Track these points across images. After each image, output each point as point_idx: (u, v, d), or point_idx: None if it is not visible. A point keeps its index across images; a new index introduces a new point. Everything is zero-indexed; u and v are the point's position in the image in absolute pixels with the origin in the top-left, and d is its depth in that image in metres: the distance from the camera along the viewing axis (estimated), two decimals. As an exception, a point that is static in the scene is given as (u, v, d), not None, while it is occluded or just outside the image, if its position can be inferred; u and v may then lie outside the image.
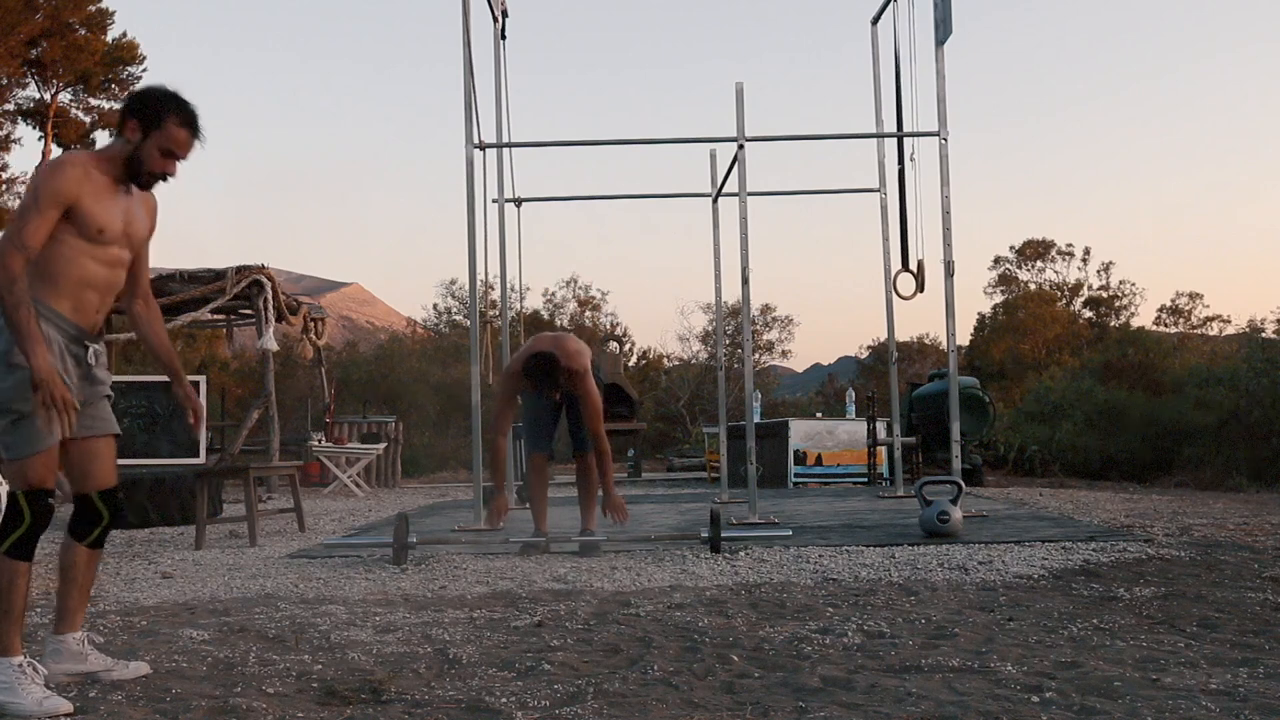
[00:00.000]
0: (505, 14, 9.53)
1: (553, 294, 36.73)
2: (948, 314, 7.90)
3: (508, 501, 5.93)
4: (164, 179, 3.06)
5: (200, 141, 3.06)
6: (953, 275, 7.84)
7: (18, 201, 25.31)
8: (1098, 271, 36.91)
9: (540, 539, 6.11)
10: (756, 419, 11.67)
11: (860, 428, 13.61)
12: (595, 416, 5.98)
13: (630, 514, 6.10)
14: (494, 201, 9.62)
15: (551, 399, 6.04)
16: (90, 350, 3.04)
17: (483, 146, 8.25)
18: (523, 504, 8.31)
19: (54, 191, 2.88)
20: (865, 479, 13.15)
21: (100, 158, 3.02)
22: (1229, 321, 33.99)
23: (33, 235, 2.84)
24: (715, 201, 10.58)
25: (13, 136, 25.08)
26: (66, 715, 2.76)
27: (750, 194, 7.97)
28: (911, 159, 9.19)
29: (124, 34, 25.52)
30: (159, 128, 2.99)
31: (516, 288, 23.33)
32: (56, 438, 2.89)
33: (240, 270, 13.07)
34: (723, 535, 5.89)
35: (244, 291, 13.10)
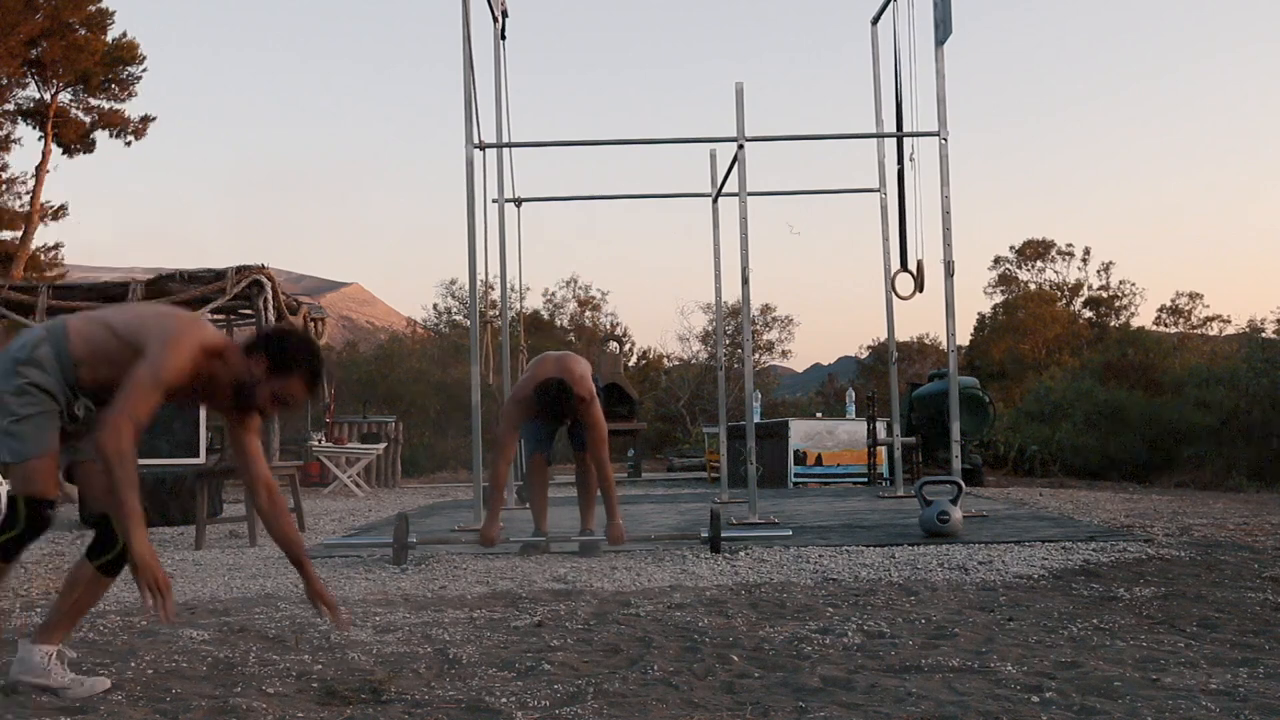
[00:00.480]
0: (505, 14, 9.53)
1: (553, 294, 36.81)
2: (948, 314, 7.90)
3: (498, 535, 5.87)
4: (264, 414, 3.09)
5: (314, 398, 3.03)
6: (952, 275, 7.84)
7: (18, 202, 25.13)
8: (1098, 271, 36.93)
9: (540, 539, 6.11)
10: (756, 419, 11.68)
11: (860, 428, 13.61)
12: (601, 445, 5.92)
13: (627, 533, 6.02)
14: (494, 201, 9.63)
15: (560, 424, 6.02)
16: (80, 402, 2.95)
17: (483, 146, 8.25)
18: (523, 504, 8.31)
19: (177, 373, 2.87)
20: (865, 479, 13.15)
21: (217, 351, 2.98)
22: (1229, 321, 33.97)
23: (148, 411, 2.82)
24: (715, 201, 10.58)
25: (13, 136, 25.03)
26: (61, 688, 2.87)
27: (750, 194, 7.98)
28: (911, 159, 9.20)
29: (124, 34, 25.43)
30: (284, 377, 2.99)
31: (516, 288, 23.37)
32: (54, 444, 2.88)
33: (240, 270, 13.09)
34: (723, 535, 5.89)
35: (244, 291, 13.12)
